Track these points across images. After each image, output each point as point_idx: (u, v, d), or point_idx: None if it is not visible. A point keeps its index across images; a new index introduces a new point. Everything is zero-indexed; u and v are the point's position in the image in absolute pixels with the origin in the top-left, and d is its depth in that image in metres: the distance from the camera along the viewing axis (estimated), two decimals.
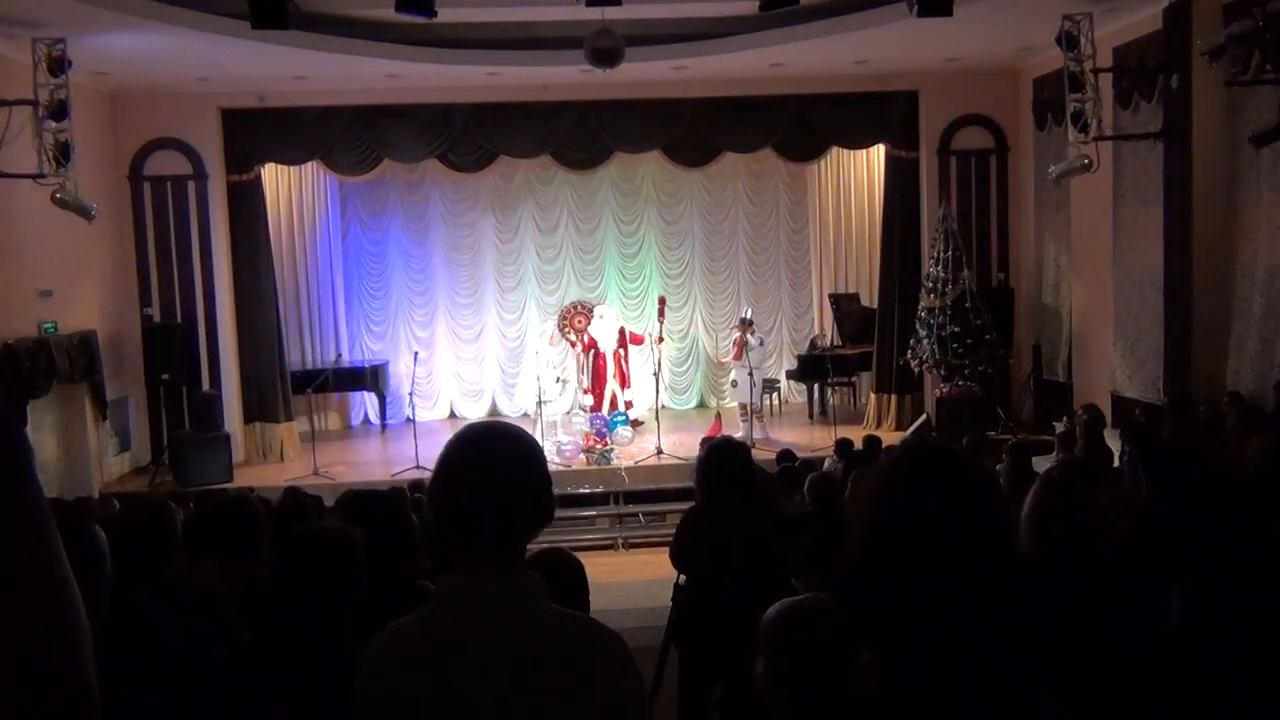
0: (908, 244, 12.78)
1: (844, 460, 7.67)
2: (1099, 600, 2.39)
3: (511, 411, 14.91)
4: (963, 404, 11.48)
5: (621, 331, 12.71)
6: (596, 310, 12.86)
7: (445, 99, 12.13)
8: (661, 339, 12.48)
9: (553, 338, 12.68)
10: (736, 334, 12.41)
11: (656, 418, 11.93)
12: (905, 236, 12.77)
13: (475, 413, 14.95)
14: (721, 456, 4.04)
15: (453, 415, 14.99)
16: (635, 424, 12.28)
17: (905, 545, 1.36)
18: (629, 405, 12.62)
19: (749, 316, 12.47)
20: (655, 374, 12.24)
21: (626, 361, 12.58)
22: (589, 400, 12.50)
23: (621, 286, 15.15)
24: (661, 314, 12.73)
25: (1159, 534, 2.95)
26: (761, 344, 12.33)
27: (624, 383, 12.56)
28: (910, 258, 12.74)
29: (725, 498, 3.96)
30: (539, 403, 11.94)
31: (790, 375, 14.33)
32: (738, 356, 12.16)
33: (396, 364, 14.59)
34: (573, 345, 12.75)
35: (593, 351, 12.64)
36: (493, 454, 1.73)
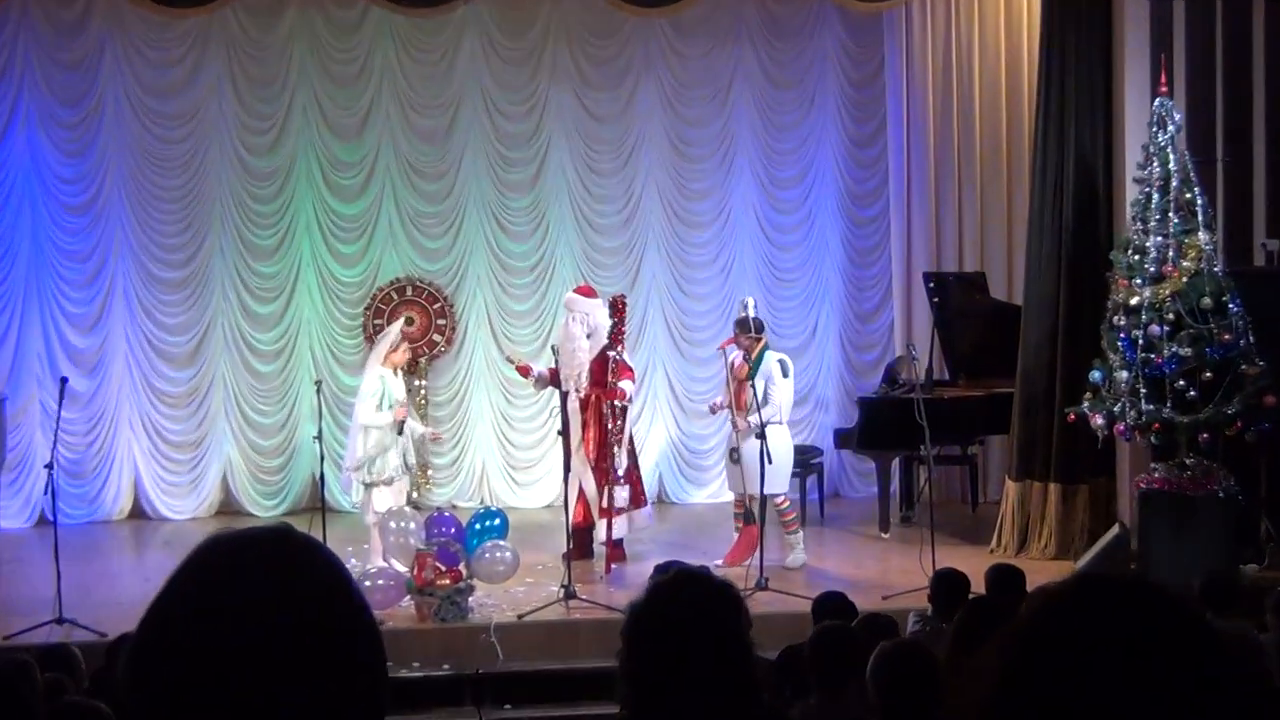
0: (1085, 174, 12.91)
1: (946, 615, 7.74)
2: None
3: (271, 504, 15.02)
4: (1192, 504, 11.51)
5: (606, 361, 12.81)
6: (573, 304, 13.01)
7: None
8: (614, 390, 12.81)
9: (396, 352, 12.57)
10: (732, 353, 12.71)
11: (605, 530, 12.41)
12: (1082, 158, 12.89)
13: (186, 506, 15.05)
14: (668, 610, 3.91)
15: (140, 513, 15.02)
16: (613, 555, 12.66)
17: None
18: (633, 503, 12.94)
19: (749, 312, 12.63)
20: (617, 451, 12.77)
21: (610, 413, 12.85)
22: (588, 487, 12.80)
23: (497, 249, 15.42)
24: (620, 326, 12.97)
25: None
26: (784, 372, 12.59)
27: (598, 451, 12.82)
28: (1090, 202, 12.91)
29: (676, 698, 3.83)
30: (357, 483, 12.22)
31: (843, 440, 14.54)
32: (738, 401, 12.45)
33: (21, 402, 14.62)
34: (525, 373, 13.13)
35: (557, 385, 12.98)
36: (273, 597, 1.80)
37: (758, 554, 11.89)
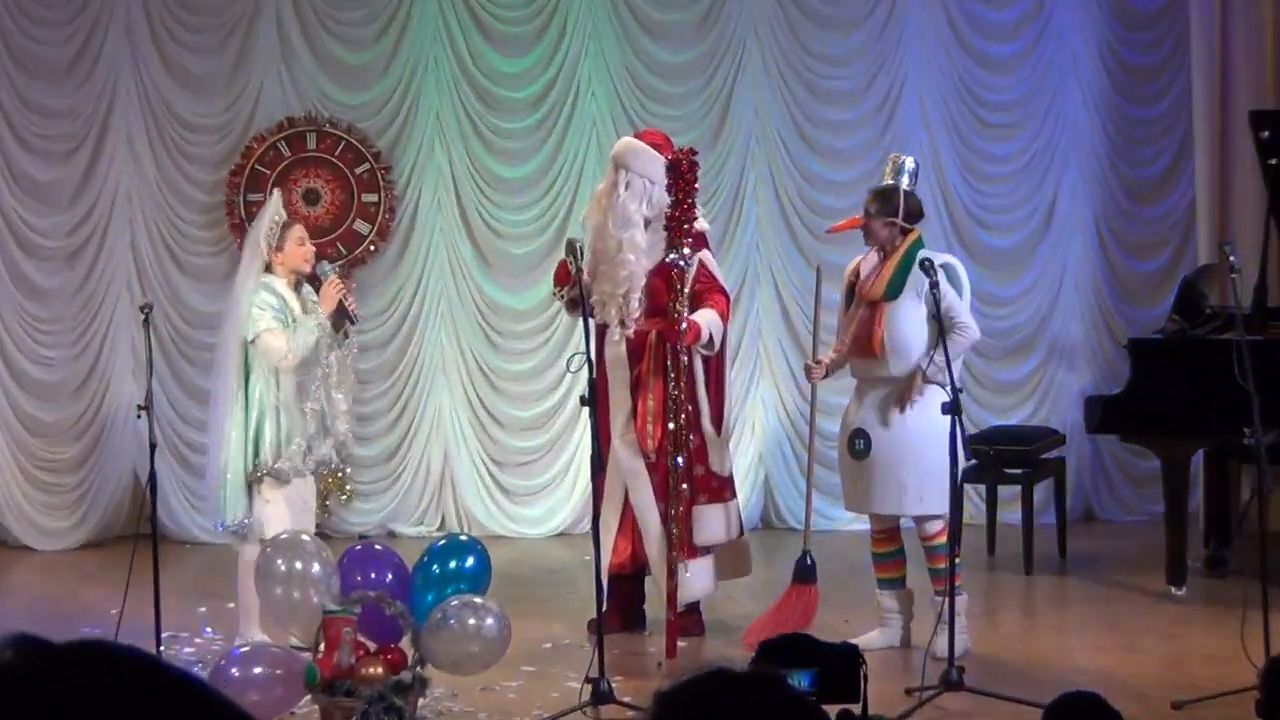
0: None
1: None
2: None
3: (60, 528, 14.53)
4: None
5: (666, 274, 12.05)
6: (631, 159, 12.17)
7: None
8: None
9: (283, 249, 11.92)
10: (859, 253, 11.83)
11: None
12: None
13: None
14: None
15: None
16: (682, 626, 11.76)
17: None
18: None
19: (903, 180, 11.42)
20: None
21: (675, 367, 12.18)
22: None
23: (470, 66, 14.71)
24: (685, 209, 11.81)
25: None
26: (953, 283, 11.68)
27: (661, 436, 12.19)
28: None
29: None
30: (224, 491, 11.94)
31: (1101, 418, 13.52)
32: (866, 343, 11.31)
33: None
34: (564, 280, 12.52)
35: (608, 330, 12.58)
36: None
37: (946, 626, 10.73)
